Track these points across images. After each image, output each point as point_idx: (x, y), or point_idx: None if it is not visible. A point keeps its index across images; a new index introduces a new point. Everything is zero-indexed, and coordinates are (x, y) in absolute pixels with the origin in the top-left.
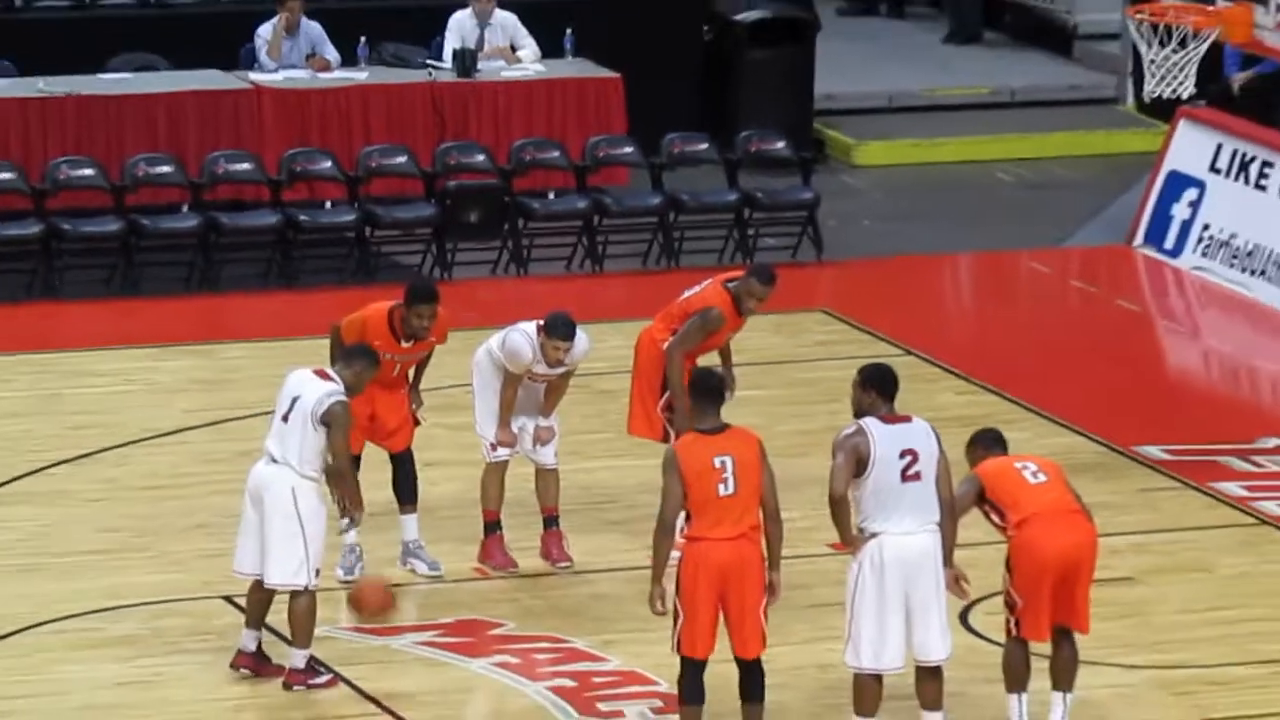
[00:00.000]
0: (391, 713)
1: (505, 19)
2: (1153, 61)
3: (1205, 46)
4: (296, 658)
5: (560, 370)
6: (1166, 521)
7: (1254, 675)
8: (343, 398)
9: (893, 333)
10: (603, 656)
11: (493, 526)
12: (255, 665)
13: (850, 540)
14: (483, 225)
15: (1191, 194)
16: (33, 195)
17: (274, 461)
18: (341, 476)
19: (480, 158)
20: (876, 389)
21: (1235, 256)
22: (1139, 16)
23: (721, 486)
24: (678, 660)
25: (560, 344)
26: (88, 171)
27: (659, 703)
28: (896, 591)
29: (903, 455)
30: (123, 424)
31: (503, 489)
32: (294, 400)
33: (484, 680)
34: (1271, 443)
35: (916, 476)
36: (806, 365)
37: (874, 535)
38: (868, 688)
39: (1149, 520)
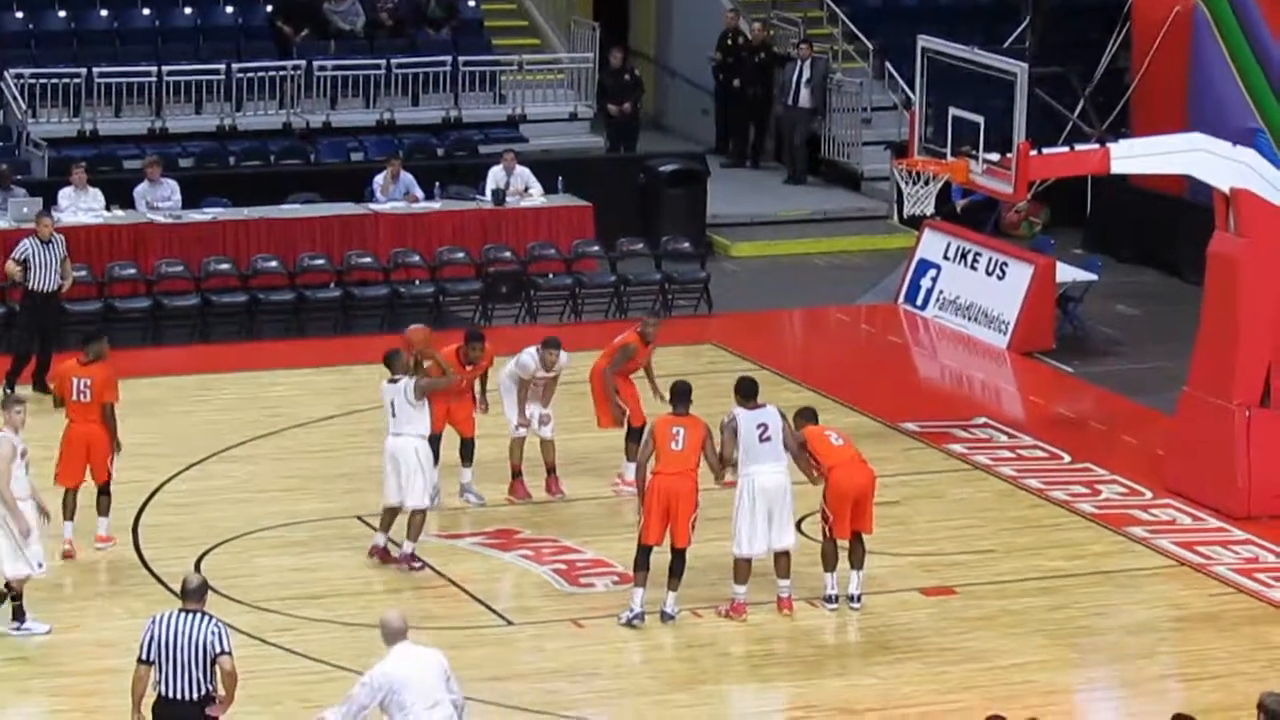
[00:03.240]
0: (456, 584)
1: (522, 170)
2: (908, 193)
3: (940, 184)
4: (408, 547)
5: (552, 374)
6: (917, 468)
7: (971, 559)
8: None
9: (756, 356)
10: (581, 549)
11: (516, 474)
12: (383, 555)
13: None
14: (510, 294)
15: (933, 272)
16: (240, 278)
17: (399, 435)
18: (435, 386)
19: (508, 254)
20: (740, 392)
21: (959, 310)
22: (900, 165)
23: (673, 444)
24: (634, 549)
25: (552, 353)
26: (273, 264)
27: (616, 577)
28: (762, 507)
29: (758, 427)
30: (295, 414)
31: (522, 452)
32: (391, 401)
33: (512, 565)
34: (982, 420)
35: (768, 439)
36: (703, 376)
37: (746, 474)
38: (742, 567)
39: (907, 467)
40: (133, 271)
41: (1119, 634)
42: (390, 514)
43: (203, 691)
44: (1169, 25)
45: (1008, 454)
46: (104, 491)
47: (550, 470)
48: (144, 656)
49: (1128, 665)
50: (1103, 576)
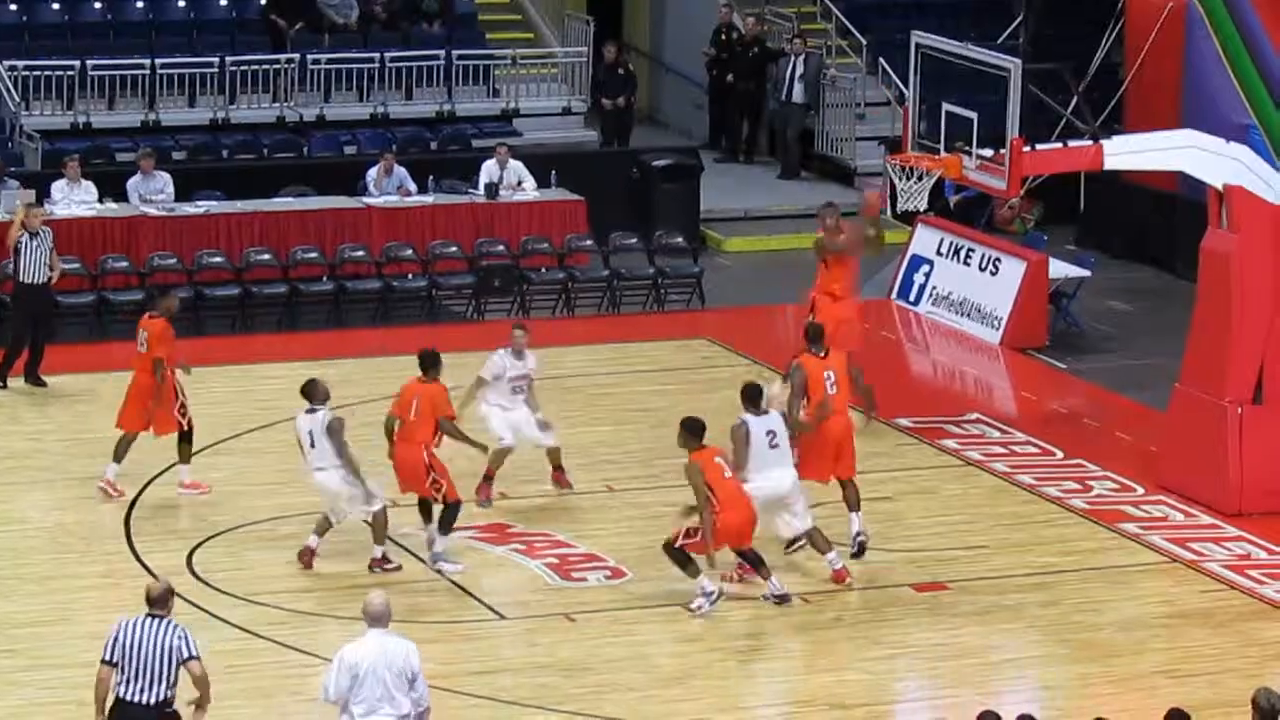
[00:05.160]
0: (448, 578)
1: (515, 165)
2: (902, 189)
3: (933, 179)
4: (376, 551)
5: (524, 366)
6: (910, 464)
7: (963, 555)
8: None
9: (749, 351)
10: (574, 544)
11: (488, 478)
12: (379, 564)
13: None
14: (503, 288)
15: (926, 268)
16: (234, 271)
17: (321, 470)
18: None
19: (500, 248)
20: (748, 398)
21: (951, 305)
22: (893, 161)
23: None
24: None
25: (514, 333)
26: (266, 256)
27: (608, 572)
28: (776, 509)
29: (768, 434)
30: (287, 408)
31: (502, 462)
32: (309, 432)
33: (504, 559)
34: (974, 416)
35: (776, 446)
36: (696, 370)
37: (759, 482)
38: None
39: (899, 463)
40: (125, 264)
41: (1111, 630)
42: (327, 521)
43: (162, 698)
44: (1162, 21)
45: (1000, 450)
46: (182, 439)
47: (556, 467)
48: (107, 657)
49: (1119, 661)
50: (1095, 573)
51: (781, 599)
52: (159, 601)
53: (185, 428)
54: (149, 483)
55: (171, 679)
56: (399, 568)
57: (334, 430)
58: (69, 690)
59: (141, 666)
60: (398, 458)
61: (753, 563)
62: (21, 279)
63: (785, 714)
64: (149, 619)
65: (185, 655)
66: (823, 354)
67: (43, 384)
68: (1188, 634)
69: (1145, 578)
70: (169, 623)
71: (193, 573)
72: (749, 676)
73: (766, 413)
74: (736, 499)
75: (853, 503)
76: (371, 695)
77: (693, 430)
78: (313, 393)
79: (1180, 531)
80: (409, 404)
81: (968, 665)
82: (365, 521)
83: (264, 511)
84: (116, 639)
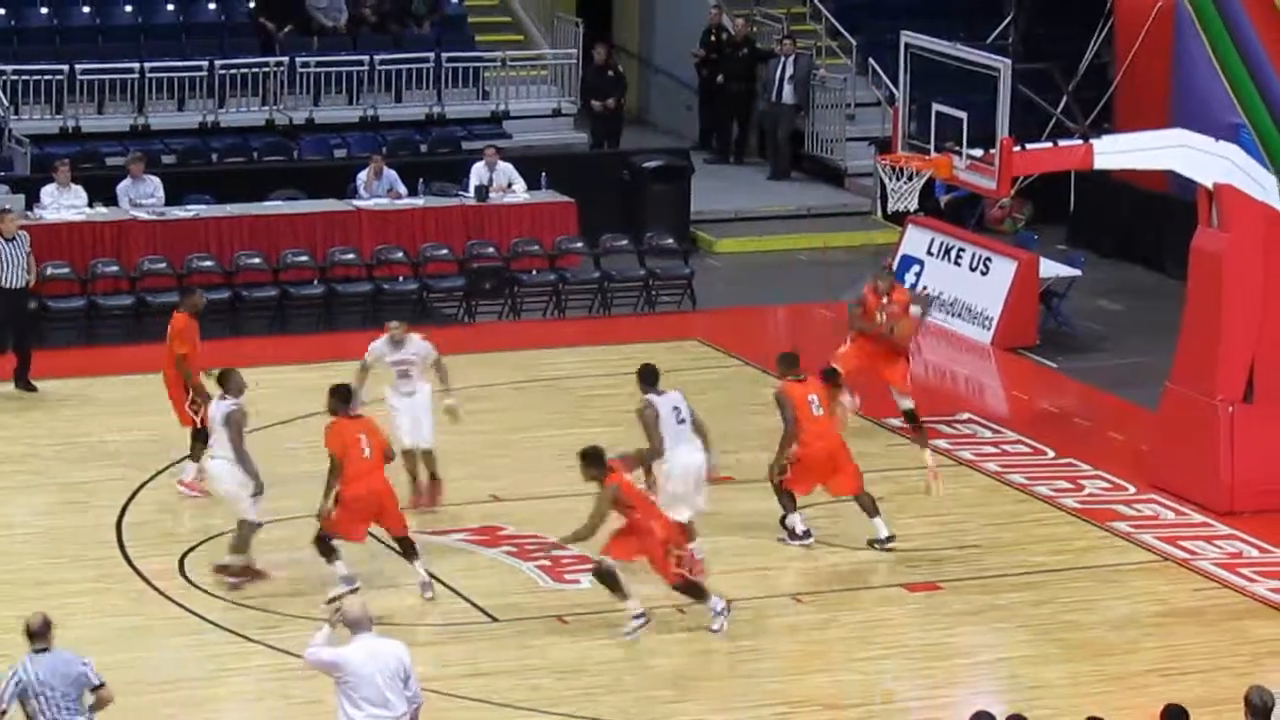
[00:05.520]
0: (440, 580)
1: (505, 167)
2: (892, 189)
3: (923, 180)
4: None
5: (405, 352)
6: (901, 464)
7: (955, 555)
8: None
9: (740, 352)
10: (566, 546)
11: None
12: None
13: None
14: (493, 290)
15: (917, 268)
16: (224, 274)
17: (214, 459)
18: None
19: (491, 250)
20: (646, 379)
21: (943, 305)
22: (883, 161)
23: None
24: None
25: (389, 324)
26: (256, 260)
27: None
28: (692, 483)
29: (674, 410)
30: (277, 411)
31: (415, 461)
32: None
33: (496, 562)
34: (966, 416)
35: (683, 421)
36: (687, 372)
37: (672, 458)
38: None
39: (891, 463)
40: (115, 268)
41: (1103, 629)
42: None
43: None
44: (1152, 20)
45: (991, 449)
46: (194, 436)
47: (431, 475)
48: (6, 708)
49: (1111, 660)
50: (1086, 572)
51: (722, 612)
52: (40, 635)
53: (198, 424)
54: (140, 487)
55: (83, 709)
56: (240, 584)
57: (231, 422)
58: None
59: (52, 702)
60: (379, 490)
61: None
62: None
63: (779, 714)
64: (41, 654)
65: (95, 684)
66: (802, 378)
67: (33, 389)
68: (1179, 632)
69: (1137, 576)
70: (66, 654)
71: (184, 576)
72: (742, 677)
73: (664, 392)
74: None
75: (869, 509)
76: (366, 705)
77: (597, 460)
78: (226, 383)
79: (1172, 530)
80: (355, 442)
81: (960, 665)
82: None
83: (255, 515)
84: (19, 681)
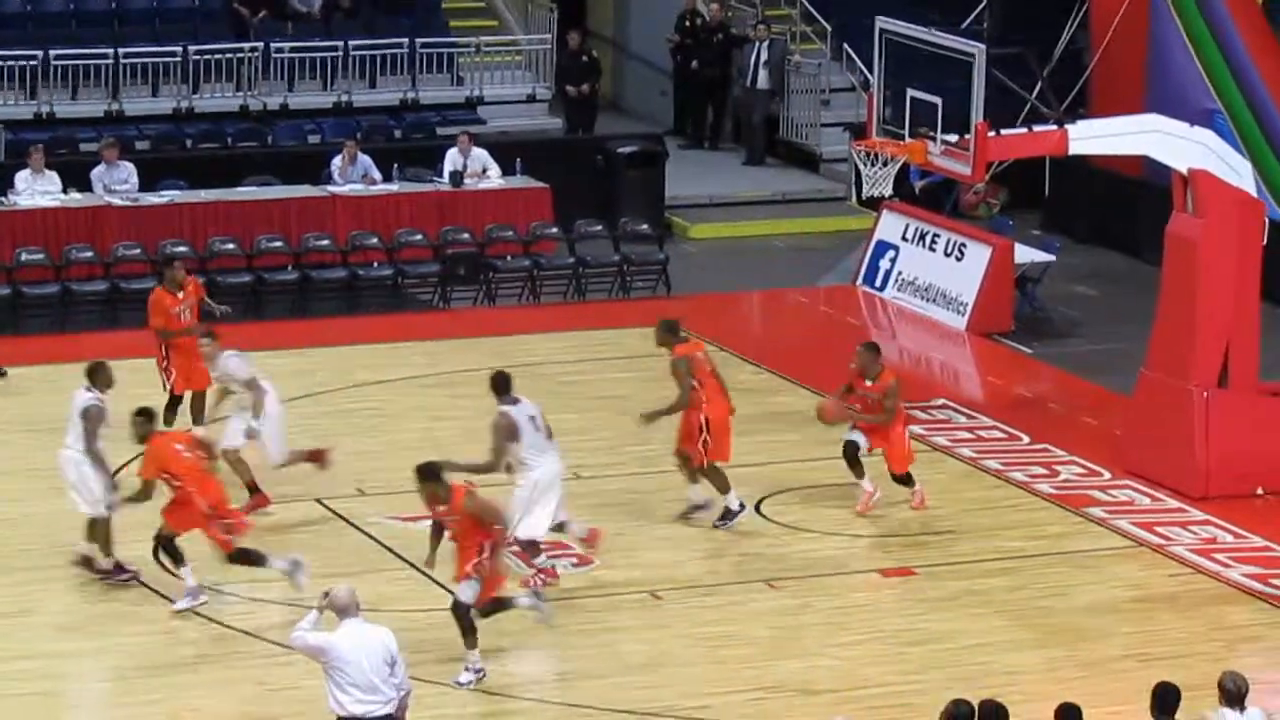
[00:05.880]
0: (415, 566)
1: (479, 153)
2: (867, 175)
3: (898, 165)
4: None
5: (216, 370)
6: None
7: (930, 540)
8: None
9: (715, 337)
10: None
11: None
12: (86, 565)
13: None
14: (468, 276)
15: (891, 254)
16: (198, 260)
17: (66, 449)
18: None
19: (465, 235)
20: (501, 388)
21: (917, 291)
22: (858, 146)
23: None
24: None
25: (199, 340)
26: (230, 246)
27: (575, 559)
28: (554, 495)
29: (530, 419)
30: None
31: (248, 467)
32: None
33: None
34: (940, 402)
35: (540, 429)
36: (662, 358)
37: (537, 465)
38: (534, 548)
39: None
40: (90, 254)
41: (1078, 614)
42: (89, 525)
43: None
44: (1127, 6)
45: (966, 435)
46: (169, 405)
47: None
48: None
49: (1087, 646)
50: (1061, 557)
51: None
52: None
53: (172, 391)
54: (115, 472)
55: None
56: (132, 578)
57: (89, 416)
58: (35, 681)
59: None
60: (193, 506)
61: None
62: None
63: (753, 700)
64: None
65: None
66: (687, 340)
67: (3, 374)
68: (1155, 618)
69: (1112, 562)
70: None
71: (159, 563)
72: (717, 663)
73: (519, 400)
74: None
75: (699, 479)
76: (356, 689)
77: (436, 476)
78: (94, 376)
79: (1147, 516)
80: (176, 455)
81: (935, 650)
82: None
83: (233, 502)
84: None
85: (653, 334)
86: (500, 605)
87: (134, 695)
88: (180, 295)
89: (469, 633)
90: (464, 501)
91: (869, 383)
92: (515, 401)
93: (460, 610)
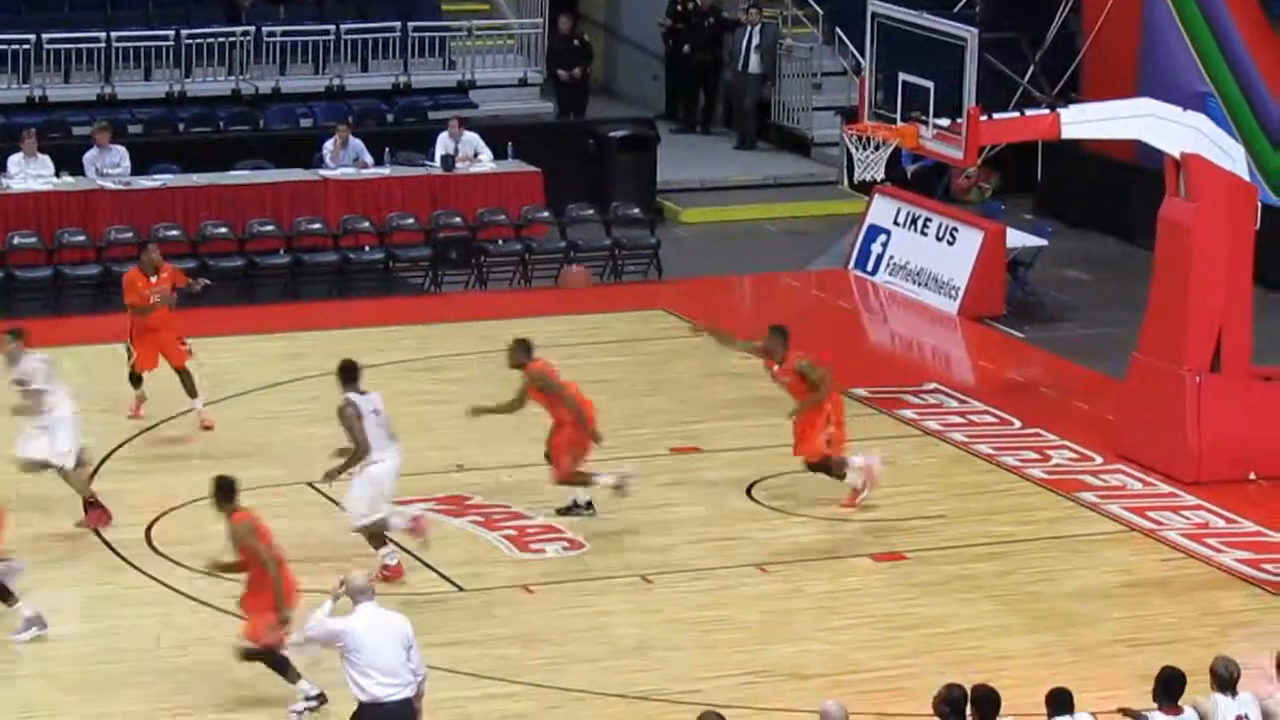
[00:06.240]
0: (407, 550)
1: (471, 137)
2: (859, 159)
3: (890, 149)
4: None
5: (16, 372)
6: (868, 434)
7: (921, 525)
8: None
9: (706, 322)
10: (531, 516)
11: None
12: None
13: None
14: (459, 260)
15: (883, 238)
16: (190, 244)
17: None
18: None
19: (457, 219)
20: (350, 377)
21: (909, 275)
22: (850, 131)
23: None
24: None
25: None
26: (222, 230)
27: (566, 543)
28: (390, 488)
29: (374, 412)
30: (243, 381)
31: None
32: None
33: (462, 531)
34: (932, 386)
35: (383, 423)
36: (654, 341)
37: (379, 458)
38: (379, 534)
39: (857, 433)
40: (82, 238)
41: (1069, 599)
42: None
43: None
44: None
45: (958, 419)
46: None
47: (87, 506)
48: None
49: (1078, 630)
50: (1053, 542)
51: (318, 698)
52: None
53: (133, 368)
54: (107, 456)
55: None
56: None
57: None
58: (28, 663)
59: None
60: None
61: (279, 668)
62: None
63: (744, 684)
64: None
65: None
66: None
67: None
68: (1146, 603)
69: (1103, 547)
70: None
71: (151, 546)
72: (708, 647)
73: (365, 392)
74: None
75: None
76: (375, 674)
77: (229, 491)
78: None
79: (1138, 500)
80: None
81: (926, 635)
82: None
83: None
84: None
85: (505, 356)
86: (266, 657)
87: (125, 680)
88: (154, 280)
89: (283, 671)
90: (237, 528)
91: (776, 366)
92: (363, 392)
93: (254, 654)
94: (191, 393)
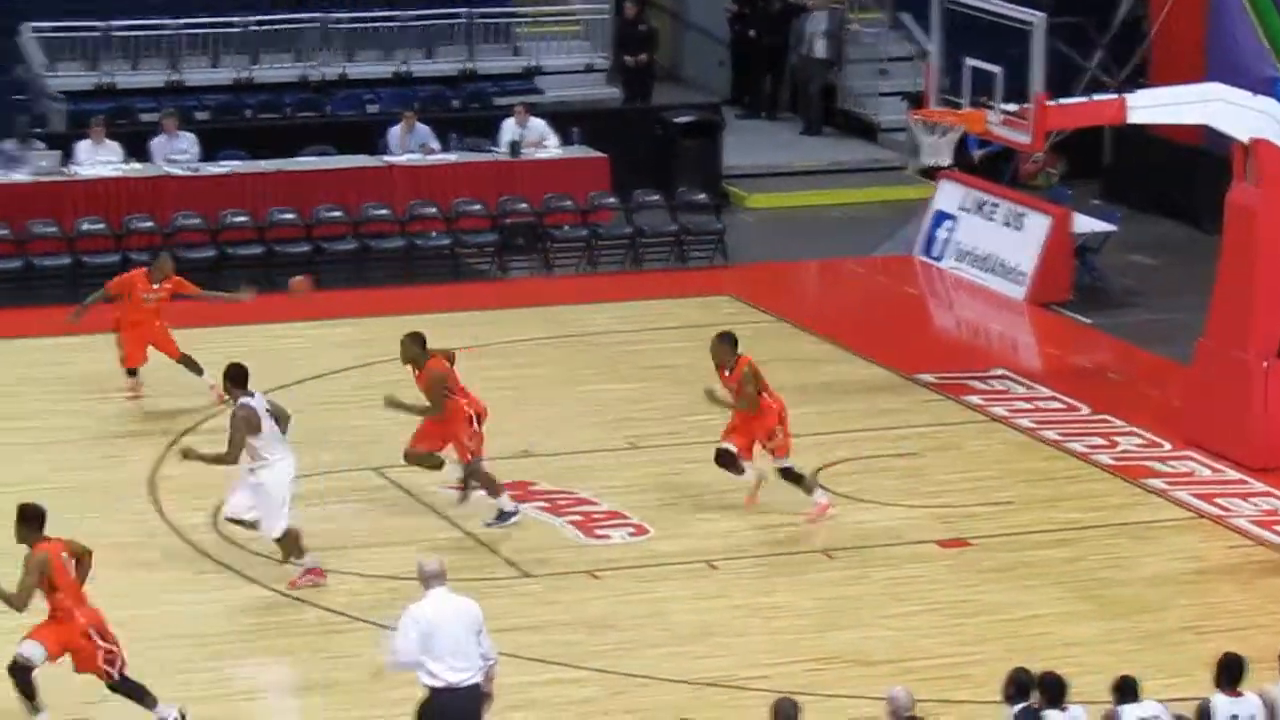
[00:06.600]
0: (472, 535)
1: (537, 123)
2: (925, 144)
3: (957, 135)
4: None
5: None
6: (934, 419)
7: (987, 511)
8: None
9: (771, 308)
10: (597, 501)
11: None
12: None
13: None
14: (525, 246)
15: (949, 224)
16: (257, 230)
17: None
18: None
19: (523, 205)
20: (238, 380)
21: (975, 261)
22: (916, 116)
23: None
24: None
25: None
26: (289, 216)
27: (632, 529)
28: (290, 491)
29: (269, 414)
30: (311, 366)
31: None
32: None
33: (528, 517)
34: (999, 372)
35: (278, 427)
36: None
37: (279, 460)
38: (296, 537)
39: (924, 419)
40: (150, 224)
41: (1136, 586)
42: None
43: None
44: None
45: (1025, 405)
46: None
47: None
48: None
49: (1145, 618)
50: (1120, 528)
51: None
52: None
53: (123, 364)
54: (174, 442)
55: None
56: None
57: None
58: None
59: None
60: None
61: (132, 694)
62: None
63: (808, 670)
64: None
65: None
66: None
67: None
68: (1214, 590)
69: (1171, 533)
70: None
71: (218, 531)
72: (772, 633)
73: (254, 394)
74: (80, 598)
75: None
76: (448, 657)
77: (33, 520)
78: None
79: (1206, 487)
80: None
81: (991, 622)
82: None
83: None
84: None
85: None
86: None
87: (193, 665)
88: (156, 287)
89: (141, 698)
90: (33, 560)
91: (727, 373)
92: (252, 395)
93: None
94: (198, 371)
